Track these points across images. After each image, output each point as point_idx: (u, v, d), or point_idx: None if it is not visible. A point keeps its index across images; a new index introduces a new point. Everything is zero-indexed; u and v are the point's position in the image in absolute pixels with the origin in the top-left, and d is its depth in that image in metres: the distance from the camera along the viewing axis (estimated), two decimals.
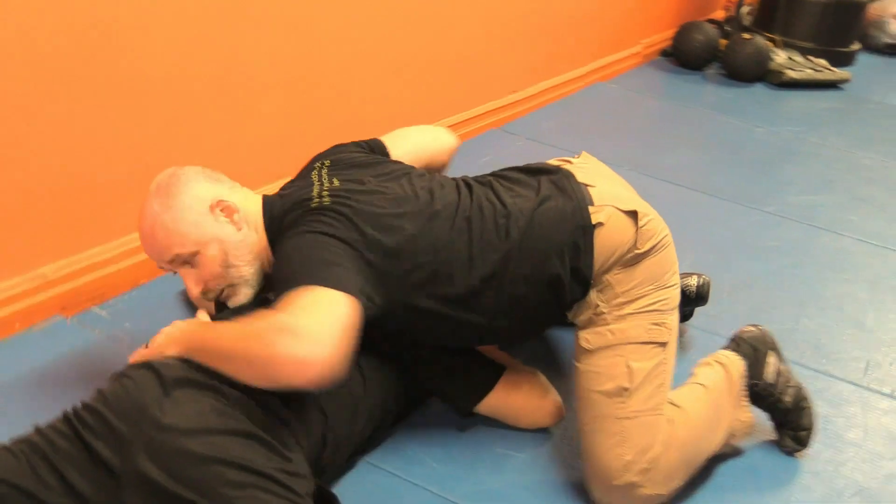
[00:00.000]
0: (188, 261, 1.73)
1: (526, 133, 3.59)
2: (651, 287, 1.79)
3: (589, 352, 1.79)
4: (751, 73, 4.44)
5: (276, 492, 1.42)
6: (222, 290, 1.77)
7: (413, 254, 1.69)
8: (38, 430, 1.51)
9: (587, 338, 1.80)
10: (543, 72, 3.84)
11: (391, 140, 2.04)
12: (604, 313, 1.78)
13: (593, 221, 1.78)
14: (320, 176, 1.80)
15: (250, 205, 1.78)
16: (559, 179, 1.86)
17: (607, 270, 1.78)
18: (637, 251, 1.78)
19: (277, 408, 1.58)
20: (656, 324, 1.78)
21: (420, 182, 1.83)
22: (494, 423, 1.97)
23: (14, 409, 1.85)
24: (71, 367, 2.03)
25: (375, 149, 2.00)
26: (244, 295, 1.77)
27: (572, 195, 1.82)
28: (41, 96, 2.01)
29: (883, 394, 2.24)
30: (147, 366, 1.55)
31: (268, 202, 1.79)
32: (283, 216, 1.73)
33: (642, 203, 1.87)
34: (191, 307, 2.23)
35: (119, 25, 2.10)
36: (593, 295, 1.79)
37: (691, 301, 2.25)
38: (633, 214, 1.80)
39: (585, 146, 3.38)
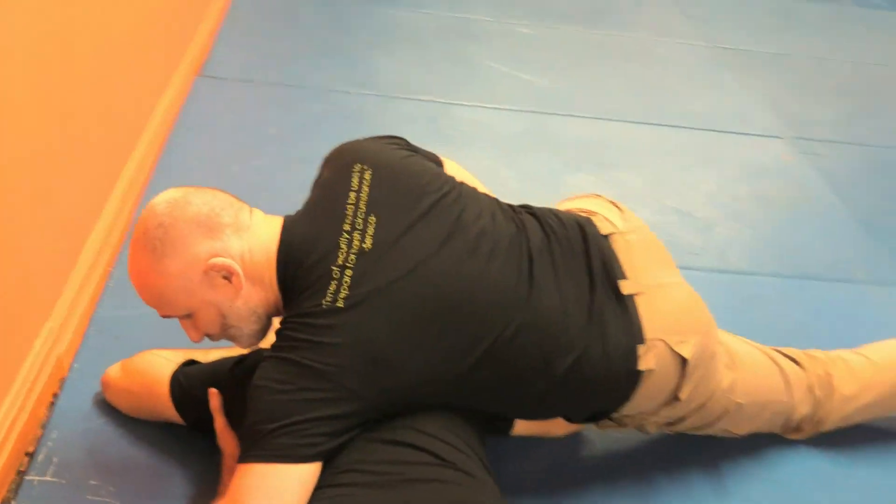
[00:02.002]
0: (183, 317, 1.52)
1: (229, 73, 3.21)
2: (704, 398, 1.67)
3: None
4: None
5: None
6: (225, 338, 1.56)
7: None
8: None
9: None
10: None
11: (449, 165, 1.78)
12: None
13: (641, 367, 1.55)
14: (356, 209, 1.48)
15: (258, 251, 1.47)
16: (610, 286, 1.58)
17: (645, 416, 1.67)
18: (679, 395, 1.62)
19: None
20: (728, 399, 1.71)
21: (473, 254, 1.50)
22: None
23: None
24: None
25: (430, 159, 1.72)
26: (245, 343, 1.55)
27: (622, 323, 1.56)
28: None
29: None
30: None
31: (284, 253, 1.47)
32: (294, 287, 1.45)
33: (686, 290, 1.68)
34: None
35: None
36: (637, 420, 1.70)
37: None
38: (682, 360, 1.58)
39: (291, 74, 3.23)
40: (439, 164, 1.74)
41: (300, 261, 1.45)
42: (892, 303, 2.55)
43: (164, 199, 1.46)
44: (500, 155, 2.98)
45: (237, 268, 1.44)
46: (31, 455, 1.71)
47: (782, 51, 4.23)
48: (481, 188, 1.71)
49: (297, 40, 3.58)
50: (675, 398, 1.62)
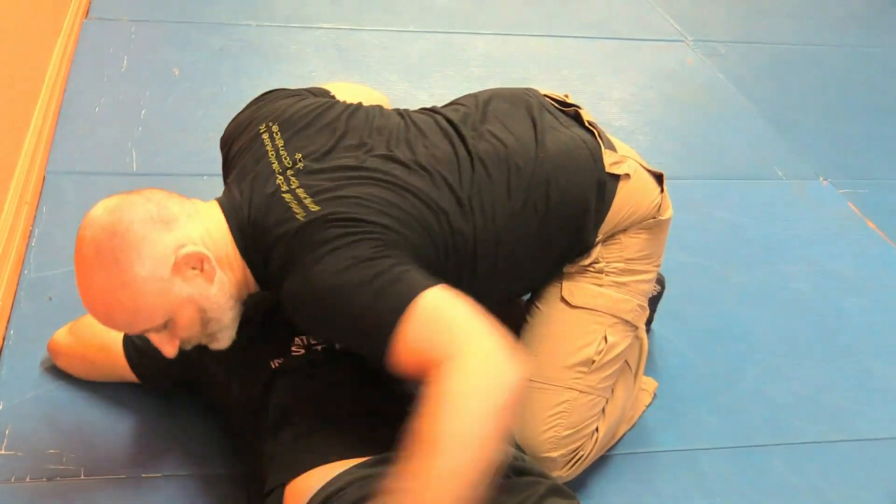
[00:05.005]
0: (160, 329, 1.37)
1: (116, 13, 3.04)
2: (652, 265, 1.67)
3: (567, 305, 1.60)
4: None
5: None
6: (200, 341, 1.45)
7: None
8: None
9: (571, 290, 1.60)
10: None
11: (335, 88, 1.70)
12: (601, 272, 1.60)
13: (618, 171, 1.57)
14: (279, 158, 1.43)
15: (214, 230, 1.38)
16: (559, 116, 1.62)
17: (624, 230, 1.61)
18: (659, 218, 1.64)
19: None
20: (641, 306, 1.65)
21: (399, 138, 1.49)
22: None
23: None
24: None
25: (317, 93, 1.64)
26: (226, 340, 1.44)
27: (583, 134, 1.60)
28: None
29: None
30: None
31: (233, 219, 1.39)
32: (261, 235, 1.37)
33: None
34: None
35: None
36: (597, 248, 1.60)
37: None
38: (658, 177, 1.65)
39: (181, 10, 3.09)
40: (326, 93, 1.66)
41: (252, 218, 1.37)
42: (808, 194, 2.64)
43: (102, 209, 1.32)
44: (412, 78, 2.93)
45: (207, 252, 1.34)
46: None
47: None
48: (375, 95, 1.73)
49: None
50: (656, 217, 1.63)
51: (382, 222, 1.33)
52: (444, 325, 1.23)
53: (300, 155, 1.43)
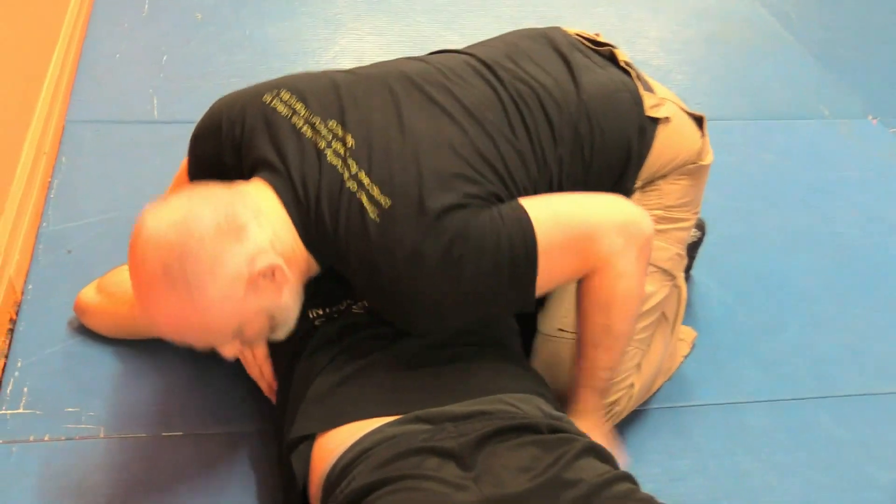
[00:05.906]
0: (228, 341, 1.32)
1: None
2: (691, 212, 1.59)
3: None
4: None
5: None
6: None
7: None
8: None
9: None
10: None
11: None
12: None
13: (657, 115, 1.49)
14: (312, 127, 1.31)
15: (280, 228, 1.28)
16: (591, 55, 1.54)
17: (663, 176, 1.53)
18: (700, 163, 1.56)
19: None
20: (679, 254, 1.60)
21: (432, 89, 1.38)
22: None
23: None
24: None
25: None
26: (284, 334, 1.36)
27: (620, 75, 1.52)
28: None
29: None
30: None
31: (294, 209, 1.29)
32: (328, 230, 1.27)
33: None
34: None
35: None
36: (636, 195, 1.53)
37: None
38: (698, 120, 1.57)
39: None
40: None
41: (317, 211, 1.28)
42: (856, 134, 2.52)
43: (167, 225, 1.20)
44: (441, 19, 2.84)
45: (279, 261, 1.25)
46: None
47: None
48: None
49: None
50: (696, 162, 1.55)
51: (458, 200, 1.26)
52: (568, 223, 1.32)
53: (334, 122, 1.32)
